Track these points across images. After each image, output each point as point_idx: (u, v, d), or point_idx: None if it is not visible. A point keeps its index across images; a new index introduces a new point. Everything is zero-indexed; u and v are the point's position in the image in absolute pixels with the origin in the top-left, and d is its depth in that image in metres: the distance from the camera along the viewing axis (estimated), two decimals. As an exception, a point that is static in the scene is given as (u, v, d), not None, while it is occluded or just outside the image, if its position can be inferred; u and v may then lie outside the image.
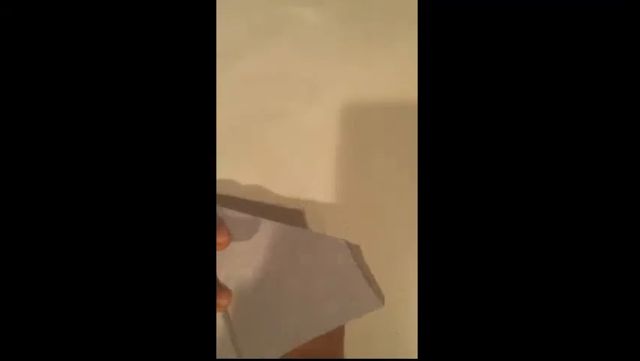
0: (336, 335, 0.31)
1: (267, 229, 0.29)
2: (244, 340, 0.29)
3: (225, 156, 0.34)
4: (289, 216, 0.34)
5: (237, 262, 0.29)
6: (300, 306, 0.29)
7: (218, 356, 0.29)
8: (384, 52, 0.36)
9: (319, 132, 0.35)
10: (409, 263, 0.34)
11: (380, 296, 0.30)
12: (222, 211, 0.29)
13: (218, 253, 0.28)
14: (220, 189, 0.34)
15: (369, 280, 0.30)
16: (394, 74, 0.35)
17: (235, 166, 0.35)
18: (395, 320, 0.33)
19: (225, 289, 0.28)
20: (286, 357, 0.28)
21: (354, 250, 0.30)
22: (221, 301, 0.27)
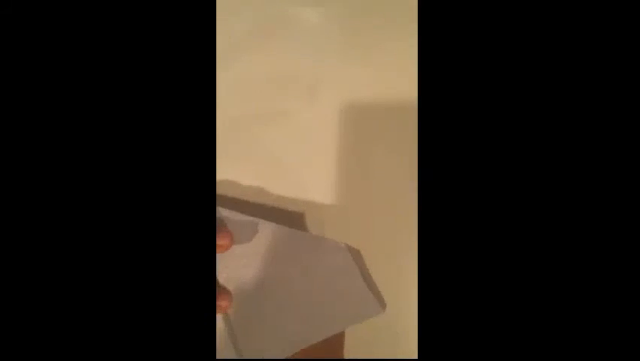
0: (337, 338, 0.31)
1: (267, 231, 0.29)
2: (244, 342, 0.29)
3: (225, 157, 0.34)
4: (289, 217, 0.34)
5: (237, 264, 0.29)
6: (300, 311, 0.29)
7: (218, 357, 0.29)
8: (384, 52, 0.36)
9: (319, 132, 0.35)
10: (409, 264, 0.34)
11: (381, 302, 0.30)
12: (222, 213, 0.28)
13: (218, 255, 0.28)
14: (220, 190, 0.34)
15: (370, 285, 0.30)
16: (394, 74, 0.35)
17: (235, 167, 0.35)
18: (395, 320, 0.33)
19: (225, 291, 0.28)
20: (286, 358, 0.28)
21: (355, 255, 0.30)
22: (221, 303, 0.27)
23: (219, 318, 0.29)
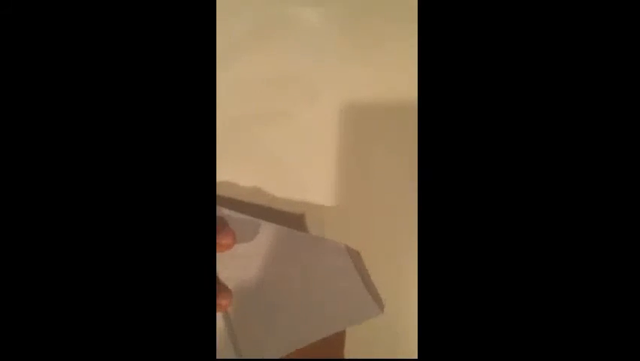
0: (337, 338, 0.31)
1: (267, 231, 0.29)
2: (243, 340, 0.29)
3: (225, 157, 0.34)
4: (289, 218, 0.34)
5: (238, 264, 0.29)
6: (299, 310, 0.29)
7: (218, 357, 0.29)
8: (384, 52, 0.36)
9: (319, 132, 0.35)
10: (409, 264, 0.34)
11: (379, 303, 0.30)
12: (223, 212, 0.28)
13: (218, 254, 0.28)
14: (219, 190, 0.34)
15: (369, 286, 0.30)
16: (394, 74, 0.35)
17: (235, 167, 0.35)
18: (395, 320, 0.33)
19: (226, 289, 0.28)
20: (286, 357, 0.28)
21: (354, 256, 0.30)
22: (221, 301, 0.27)
23: (219, 317, 0.29)
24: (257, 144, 0.35)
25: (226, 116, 0.35)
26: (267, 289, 0.29)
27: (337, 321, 0.29)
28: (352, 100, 0.35)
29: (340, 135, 0.35)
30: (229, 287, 0.29)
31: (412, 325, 0.33)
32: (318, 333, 0.28)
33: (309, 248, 0.29)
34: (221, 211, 0.28)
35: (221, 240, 0.27)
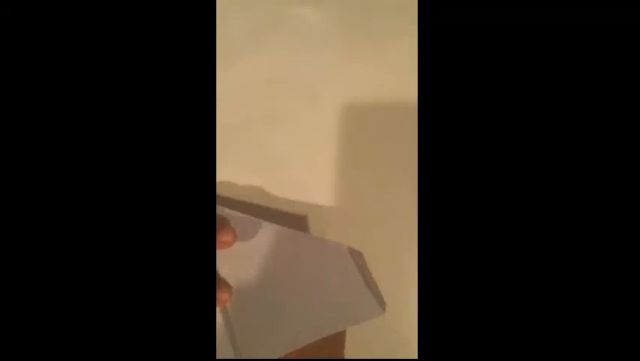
0: (337, 338, 0.31)
1: (268, 231, 0.29)
2: (243, 340, 0.29)
3: (225, 157, 0.34)
4: (290, 218, 0.34)
5: (238, 263, 0.29)
6: (300, 310, 0.29)
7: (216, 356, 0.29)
8: (384, 52, 0.36)
9: (319, 132, 0.35)
10: (409, 264, 0.34)
11: (381, 303, 0.29)
12: (224, 211, 0.28)
13: (219, 253, 0.28)
14: (220, 191, 0.34)
15: (371, 286, 0.30)
16: (394, 74, 0.35)
17: (235, 167, 0.35)
18: (395, 320, 0.33)
19: (226, 284, 0.28)
20: (286, 357, 0.28)
21: (356, 256, 0.30)
22: (221, 295, 0.27)
23: (218, 315, 0.29)
24: (257, 144, 0.35)
25: (226, 116, 0.35)
26: (267, 288, 0.29)
27: (338, 321, 0.29)
28: (352, 100, 0.35)
29: (340, 135, 0.35)
30: (231, 289, 0.29)
31: (412, 325, 0.33)
32: (319, 333, 0.28)
33: (310, 248, 0.29)
34: (222, 211, 0.28)
35: (221, 237, 0.26)
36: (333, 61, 0.36)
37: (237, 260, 0.29)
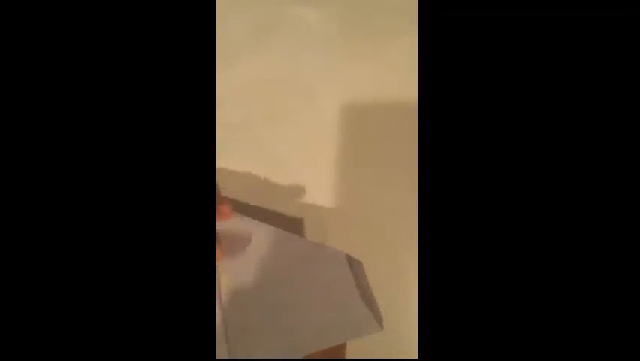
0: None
1: (267, 233, 0.29)
2: (236, 340, 0.29)
3: (225, 157, 0.34)
4: (290, 218, 0.34)
5: (237, 267, 0.29)
6: (294, 319, 0.28)
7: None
8: (383, 52, 0.36)
9: (319, 132, 0.35)
10: (409, 264, 0.34)
11: (378, 320, 0.29)
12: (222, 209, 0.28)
13: (219, 254, 0.28)
14: (220, 191, 0.34)
15: (369, 301, 0.29)
16: (394, 74, 0.35)
17: (235, 167, 0.35)
18: (395, 320, 0.33)
19: (227, 199, 0.28)
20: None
21: (356, 266, 0.30)
22: (222, 208, 0.27)
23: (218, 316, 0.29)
24: (257, 145, 0.35)
25: (226, 116, 0.35)
26: (263, 292, 0.29)
27: (334, 335, 0.28)
28: (352, 100, 0.35)
29: (340, 135, 0.35)
30: (228, 289, 0.29)
31: (412, 325, 0.33)
32: (314, 346, 0.28)
33: (308, 255, 0.29)
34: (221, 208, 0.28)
35: (219, 209, 0.26)
36: (333, 61, 0.36)
37: (236, 264, 0.29)
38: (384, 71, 0.35)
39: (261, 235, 0.29)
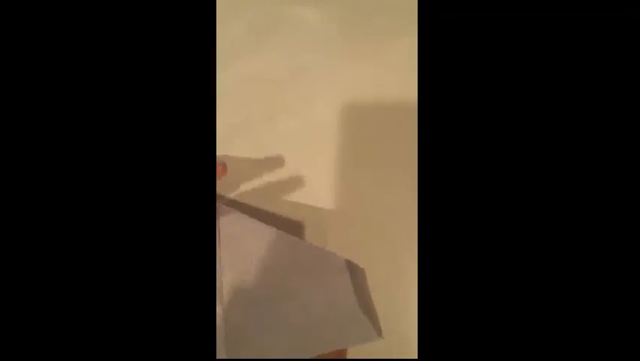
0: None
1: (267, 235, 0.29)
2: (234, 340, 0.29)
3: (225, 157, 0.34)
4: (290, 219, 0.34)
5: (238, 269, 0.29)
6: (293, 328, 0.28)
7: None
8: (384, 51, 0.36)
9: (319, 132, 0.35)
10: (409, 264, 0.34)
11: (377, 328, 0.29)
12: (222, 208, 0.28)
13: (219, 254, 0.28)
14: (219, 190, 0.34)
15: (368, 309, 0.29)
16: (394, 73, 0.35)
17: (235, 167, 0.35)
18: (395, 320, 0.33)
19: (221, 159, 0.28)
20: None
21: (357, 273, 0.30)
22: (219, 167, 0.27)
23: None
24: (256, 145, 0.35)
25: (226, 116, 0.35)
26: (265, 299, 0.29)
27: (332, 341, 0.28)
28: (352, 100, 0.35)
29: (340, 135, 0.35)
30: (227, 291, 0.29)
31: (412, 325, 0.33)
32: (311, 352, 0.28)
33: (308, 260, 0.29)
34: (222, 208, 0.28)
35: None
36: (333, 61, 0.36)
37: (236, 261, 0.29)
38: (384, 71, 0.35)
39: (261, 236, 0.29)
